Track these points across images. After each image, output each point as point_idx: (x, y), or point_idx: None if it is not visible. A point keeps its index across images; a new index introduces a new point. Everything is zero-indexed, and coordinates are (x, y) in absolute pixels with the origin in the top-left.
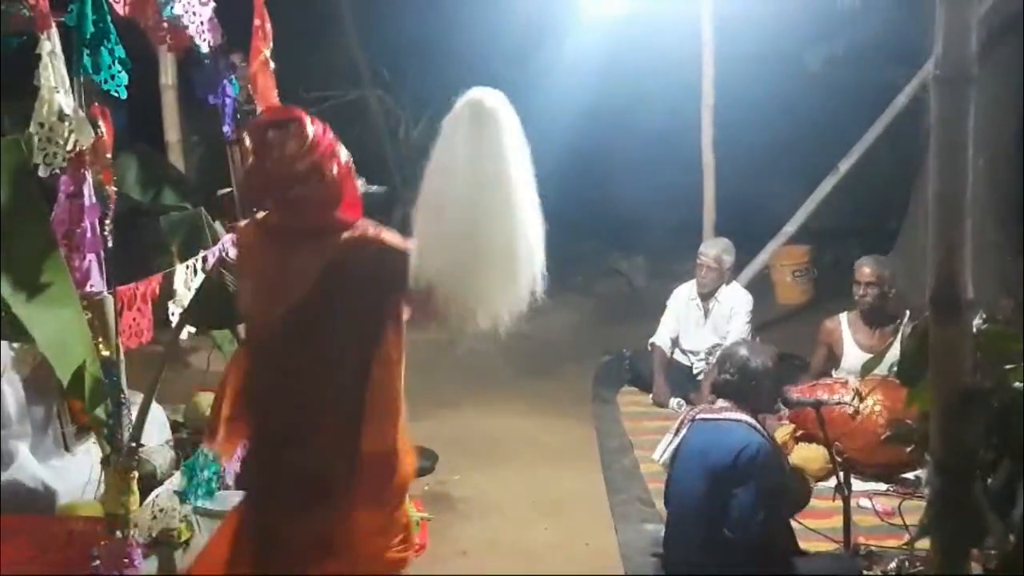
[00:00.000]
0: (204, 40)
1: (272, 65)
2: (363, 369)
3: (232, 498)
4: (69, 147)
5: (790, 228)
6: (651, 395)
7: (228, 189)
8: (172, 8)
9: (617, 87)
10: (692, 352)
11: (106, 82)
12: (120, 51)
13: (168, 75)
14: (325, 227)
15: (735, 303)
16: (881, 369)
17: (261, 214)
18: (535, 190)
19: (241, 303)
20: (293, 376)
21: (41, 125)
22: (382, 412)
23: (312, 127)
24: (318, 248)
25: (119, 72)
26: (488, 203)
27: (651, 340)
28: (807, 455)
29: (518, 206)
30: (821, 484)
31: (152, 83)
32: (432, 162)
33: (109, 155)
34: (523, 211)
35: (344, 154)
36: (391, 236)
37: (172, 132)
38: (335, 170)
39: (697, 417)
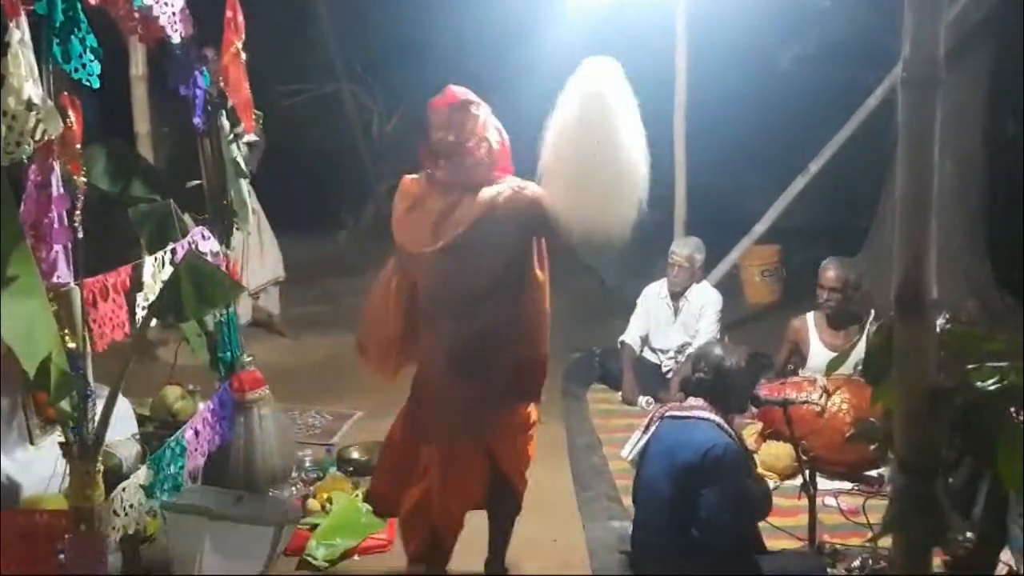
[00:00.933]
0: (176, 31)
1: (244, 57)
2: (518, 289)
3: (197, 494)
4: (37, 136)
5: (760, 227)
6: (620, 393)
7: (198, 182)
8: None
9: None
10: (662, 350)
11: (76, 71)
12: (92, 40)
13: (138, 66)
14: (484, 183)
15: (705, 302)
16: (847, 368)
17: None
18: (642, 139)
19: (404, 242)
20: (459, 296)
21: (6, 114)
22: (534, 324)
23: (482, 108)
24: (477, 199)
25: (91, 61)
26: (595, 151)
27: (621, 338)
28: (774, 452)
29: (622, 148)
30: (787, 482)
31: (122, 74)
32: (554, 121)
33: (79, 145)
34: (627, 152)
35: (500, 129)
36: (533, 189)
37: (142, 123)
38: (496, 140)
39: (666, 415)
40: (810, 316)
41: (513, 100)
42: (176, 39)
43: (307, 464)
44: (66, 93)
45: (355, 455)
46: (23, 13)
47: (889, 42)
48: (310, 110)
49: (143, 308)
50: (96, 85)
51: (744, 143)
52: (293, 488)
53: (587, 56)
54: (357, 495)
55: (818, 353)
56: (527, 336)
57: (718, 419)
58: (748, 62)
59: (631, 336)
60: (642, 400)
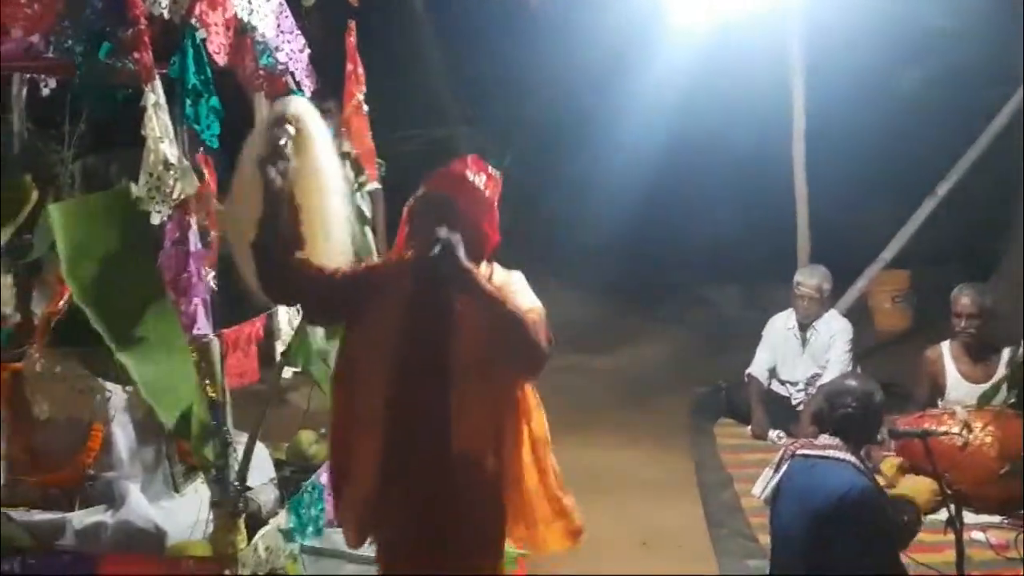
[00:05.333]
0: (302, 86)
1: (365, 108)
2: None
3: (336, 536)
4: (175, 195)
5: (888, 254)
6: (749, 427)
7: None
8: (269, 56)
9: (705, 113)
10: (790, 383)
11: (202, 132)
12: (215, 101)
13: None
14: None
15: (834, 332)
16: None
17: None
18: None
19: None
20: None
21: (149, 175)
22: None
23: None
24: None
25: (213, 122)
26: None
27: (747, 371)
28: (914, 487)
29: None
30: (931, 517)
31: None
32: None
33: (214, 201)
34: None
35: None
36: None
37: None
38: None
39: (798, 453)
40: (945, 346)
41: (619, 133)
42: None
43: None
44: (201, 152)
45: None
46: (157, 77)
47: (1014, 61)
48: (424, 154)
49: (280, 355)
50: (215, 145)
51: (868, 167)
52: None
53: (695, 84)
54: None
55: (956, 385)
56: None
57: (853, 459)
58: (869, 84)
59: (758, 369)
60: (773, 434)
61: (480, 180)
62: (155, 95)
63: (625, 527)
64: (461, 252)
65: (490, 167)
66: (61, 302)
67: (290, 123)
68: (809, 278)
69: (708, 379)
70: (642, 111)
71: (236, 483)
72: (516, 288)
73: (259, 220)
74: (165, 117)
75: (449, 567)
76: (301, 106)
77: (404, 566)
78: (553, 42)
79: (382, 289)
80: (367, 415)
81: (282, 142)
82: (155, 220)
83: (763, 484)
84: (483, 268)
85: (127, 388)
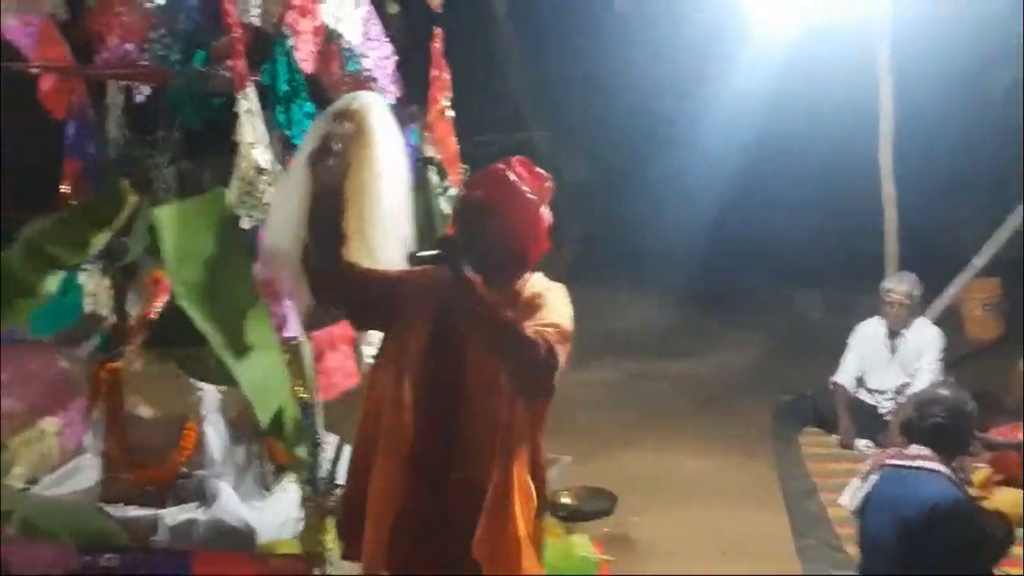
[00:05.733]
0: (388, 93)
1: (450, 114)
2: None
3: None
4: (266, 200)
5: (979, 261)
6: (835, 436)
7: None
8: (355, 63)
9: (788, 118)
10: (878, 391)
11: (293, 137)
12: (309, 107)
13: None
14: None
15: (925, 340)
16: None
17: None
18: None
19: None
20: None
21: (240, 179)
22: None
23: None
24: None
25: (304, 127)
26: None
27: (833, 378)
28: (1009, 499)
29: None
30: None
31: None
32: None
33: None
34: None
35: None
36: None
37: None
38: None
39: (887, 463)
40: None
41: (701, 137)
42: (389, 100)
43: None
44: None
45: (566, 500)
46: (251, 84)
47: None
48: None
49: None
50: None
51: (958, 171)
52: None
53: (779, 86)
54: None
55: None
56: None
57: (946, 470)
58: (957, 87)
59: (845, 376)
60: (860, 443)
61: (524, 183)
62: (248, 102)
63: (705, 535)
64: (461, 259)
65: (540, 169)
66: (156, 304)
67: (349, 119)
68: (899, 284)
69: (789, 386)
70: (724, 115)
71: (327, 482)
72: (546, 301)
73: (308, 220)
74: (259, 123)
75: None
76: (368, 100)
77: None
78: (636, 46)
79: (415, 298)
80: (388, 431)
81: (334, 138)
82: (245, 224)
83: (851, 494)
84: (525, 277)
85: (220, 388)
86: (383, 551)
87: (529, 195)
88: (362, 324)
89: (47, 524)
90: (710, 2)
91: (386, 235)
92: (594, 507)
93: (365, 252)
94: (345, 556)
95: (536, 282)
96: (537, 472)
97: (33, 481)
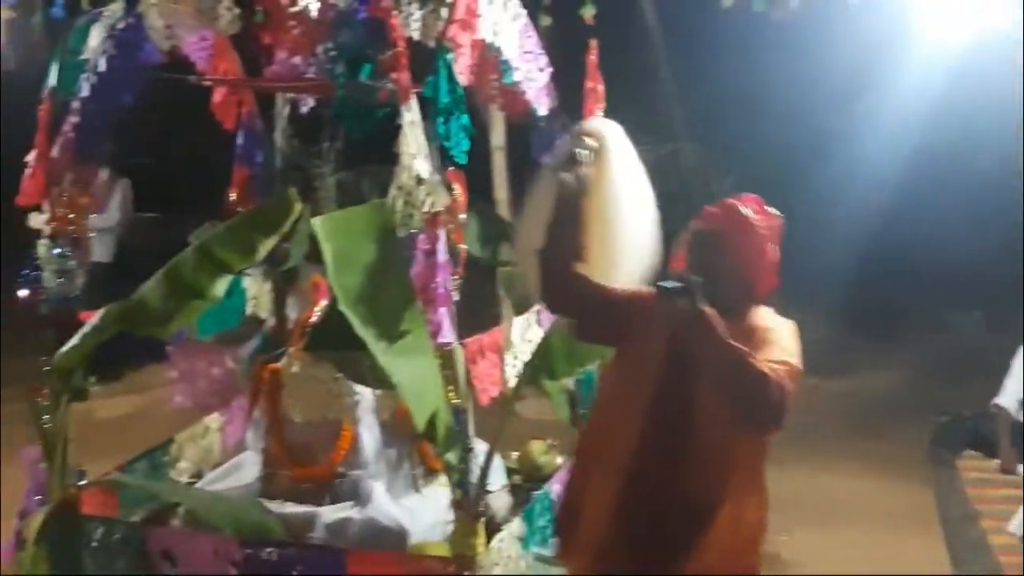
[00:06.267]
0: (541, 104)
1: None
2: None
3: None
4: (426, 208)
5: None
6: (996, 460)
7: None
8: (511, 75)
9: (949, 130)
10: None
11: (452, 148)
12: (465, 119)
13: (499, 137)
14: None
15: None
16: None
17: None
18: None
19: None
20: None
21: (400, 189)
22: None
23: None
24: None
25: (462, 139)
26: None
27: (995, 401)
28: None
29: None
30: None
31: (481, 145)
32: None
33: (463, 215)
34: None
35: None
36: None
37: (501, 190)
38: None
39: None
40: None
41: (855, 151)
42: (542, 111)
43: None
44: (452, 168)
45: None
46: (414, 97)
47: None
48: (650, 170)
49: (512, 367)
50: (464, 161)
51: None
52: None
53: (940, 99)
54: None
55: None
56: None
57: None
58: None
59: (1008, 399)
60: (1022, 469)
61: (756, 219)
62: (411, 113)
63: (860, 559)
64: (699, 293)
65: (768, 207)
66: (316, 308)
67: (592, 137)
68: None
69: (946, 407)
70: (880, 130)
71: (477, 488)
72: (777, 337)
73: (547, 227)
74: (420, 134)
75: None
76: (604, 126)
77: None
78: (790, 57)
79: (648, 321)
80: (610, 450)
81: (579, 153)
82: (401, 233)
83: (1019, 521)
84: (754, 310)
85: (375, 391)
86: (592, 558)
87: (762, 230)
88: (592, 336)
89: (211, 517)
90: (870, 9)
91: (623, 255)
92: None
93: (601, 268)
94: (558, 556)
95: (765, 316)
96: (760, 500)
97: (197, 475)
